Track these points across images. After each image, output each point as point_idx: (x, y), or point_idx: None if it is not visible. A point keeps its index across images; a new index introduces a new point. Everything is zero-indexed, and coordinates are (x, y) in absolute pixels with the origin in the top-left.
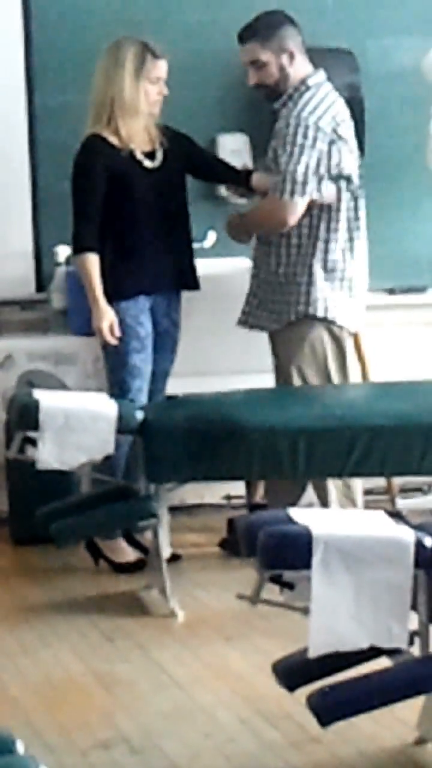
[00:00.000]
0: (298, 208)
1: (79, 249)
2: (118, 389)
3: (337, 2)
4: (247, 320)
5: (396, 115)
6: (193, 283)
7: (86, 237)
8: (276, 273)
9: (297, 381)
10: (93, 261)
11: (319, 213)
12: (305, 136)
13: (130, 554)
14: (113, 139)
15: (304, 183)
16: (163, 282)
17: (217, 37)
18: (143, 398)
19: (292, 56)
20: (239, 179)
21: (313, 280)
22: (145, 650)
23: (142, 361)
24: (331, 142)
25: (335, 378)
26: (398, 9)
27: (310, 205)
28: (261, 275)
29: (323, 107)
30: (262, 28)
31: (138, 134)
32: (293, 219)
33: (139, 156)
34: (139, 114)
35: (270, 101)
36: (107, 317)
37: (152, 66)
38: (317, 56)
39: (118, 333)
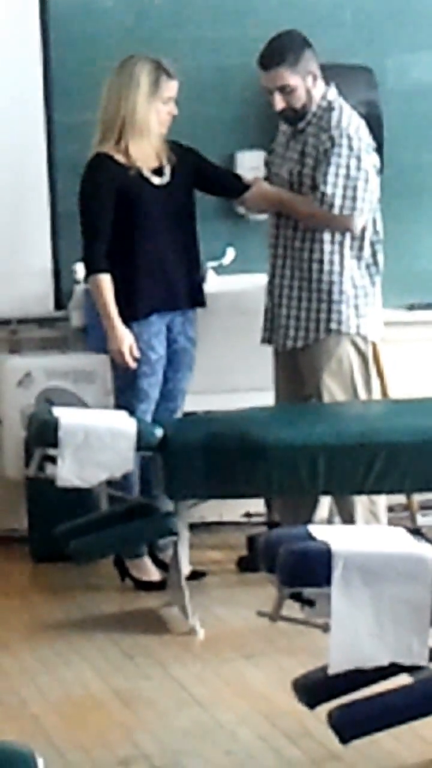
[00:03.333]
0: (356, 221)
1: (91, 270)
2: (124, 411)
3: (355, 19)
4: (272, 339)
5: (414, 132)
6: (202, 300)
7: (98, 258)
8: (303, 290)
9: (327, 398)
10: (106, 282)
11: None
12: (350, 147)
13: (154, 573)
14: (120, 158)
15: (354, 198)
16: (178, 299)
17: (235, 53)
18: (148, 421)
19: (315, 78)
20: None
21: (344, 298)
22: (165, 668)
23: (150, 385)
24: (378, 171)
25: (361, 393)
26: (417, 26)
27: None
28: (285, 293)
29: (355, 119)
30: (288, 53)
31: (146, 153)
32: (358, 228)
33: (147, 173)
34: (150, 134)
35: (292, 123)
36: (126, 340)
37: (166, 86)
38: (336, 73)
39: (137, 354)
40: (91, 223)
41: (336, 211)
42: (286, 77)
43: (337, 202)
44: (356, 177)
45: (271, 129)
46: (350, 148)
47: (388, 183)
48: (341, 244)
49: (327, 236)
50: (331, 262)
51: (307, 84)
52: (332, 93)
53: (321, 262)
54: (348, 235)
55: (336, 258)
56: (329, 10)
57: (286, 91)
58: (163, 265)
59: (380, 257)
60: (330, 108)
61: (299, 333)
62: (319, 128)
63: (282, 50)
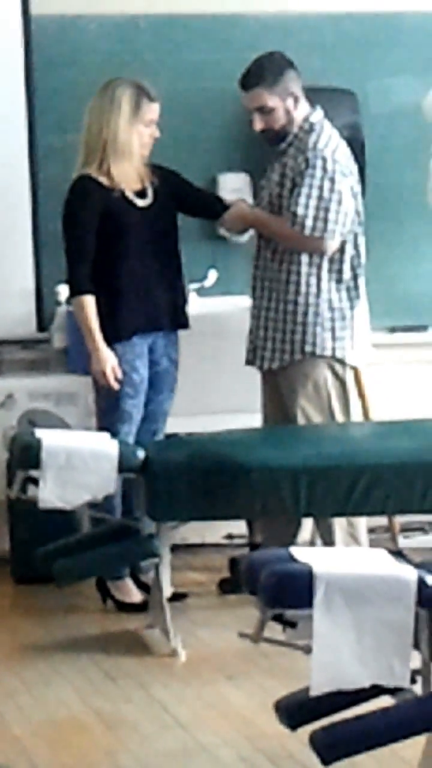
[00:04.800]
0: (327, 243)
1: (75, 292)
2: (106, 432)
3: (337, 42)
4: (255, 360)
5: (396, 155)
6: (185, 322)
7: (82, 279)
8: (279, 311)
9: (301, 420)
10: (90, 304)
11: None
12: (324, 169)
13: (136, 595)
14: (104, 180)
15: (326, 220)
16: (160, 320)
17: (217, 76)
18: (130, 442)
19: (296, 99)
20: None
21: (319, 320)
22: (147, 689)
23: (134, 406)
24: (354, 195)
25: (339, 417)
26: (398, 49)
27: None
28: (263, 314)
29: (334, 141)
30: (268, 74)
31: (129, 175)
32: (330, 250)
33: (130, 195)
34: (132, 156)
35: (273, 144)
36: (110, 362)
37: (147, 109)
38: (318, 96)
39: (120, 376)
40: (76, 244)
41: (307, 232)
42: (264, 98)
43: (308, 223)
44: (329, 199)
45: (253, 151)
46: (324, 170)
47: (369, 206)
48: (319, 266)
49: (305, 258)
50: (308, 284)
51: (286, 105)
52: (316, 115)
53: (298, 283)
54: (326, 258)
55: (313, 280)
56: (311, 34)
57: (264, 111)
58: (146, 286)
59: (361, 281)
60: (311, 130)
61: (275, 354)
62: (298, 150)
63: (261, 71)
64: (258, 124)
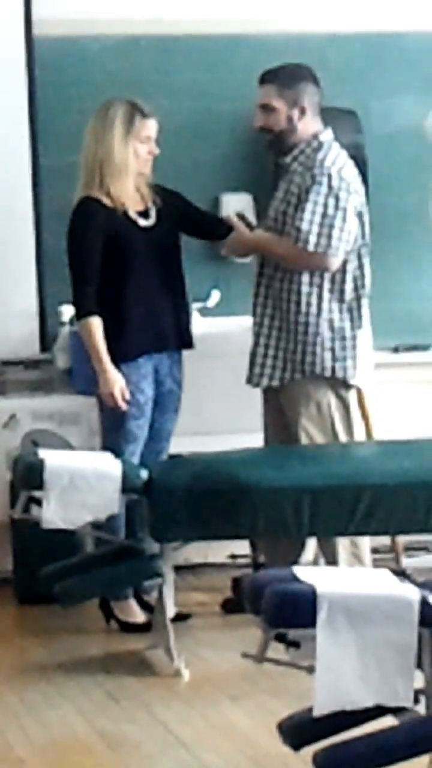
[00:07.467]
0: (331, 259)
1: (82, 314)
2: (111, 452)
3: (340, 62)
4: (253, 378)
5: (399, 175)
6: (189, 342)
7: (88, 301)
8: (280, 329)
9: (304, 440)
10: (97, 325)
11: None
12: (330, 186)
13: (139, 615)
14: (106, 201)
15: (330, 236)
16: (165, 340)
17: (219, 96)
18: (135, 462)
19: (303, 112)
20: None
21: (319, 340)
22: (150, 710)
23: (139, 427)
24: (359, 214)
25: (342, 438)
26: (401, 69)
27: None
28: (263, 332)
29: (342, 160)
30: (284, 77)
31: (129, 194)
32: (333, 267)
33: (134, 215)
34: (129, 174)
35: (274, 152)
36: (118, 383)
37: (141, 125)
38: (321, 116)
39: (128, 397)
40: (81, 266)
41: (311, 248)
42: (270, 96)
43: (312, 239)
44: (333, 216)
45: (255, 171)
46: (330, 186)
47: (372, 225)
48: (320, 285)
49: (305, 278)
50: (309, 304)
51: (290, 112)
52: (326, 135)
53: (298, 303)
54: (327, 278)
55: (314, 300)
56: (312, 54)
57: (267, 109)
58: (151, 306)
59: (364, 302)
60: (319, 148)
61: (275, 372)
62: (305, 167)
63: (281, 72)
64: (257, 121)
